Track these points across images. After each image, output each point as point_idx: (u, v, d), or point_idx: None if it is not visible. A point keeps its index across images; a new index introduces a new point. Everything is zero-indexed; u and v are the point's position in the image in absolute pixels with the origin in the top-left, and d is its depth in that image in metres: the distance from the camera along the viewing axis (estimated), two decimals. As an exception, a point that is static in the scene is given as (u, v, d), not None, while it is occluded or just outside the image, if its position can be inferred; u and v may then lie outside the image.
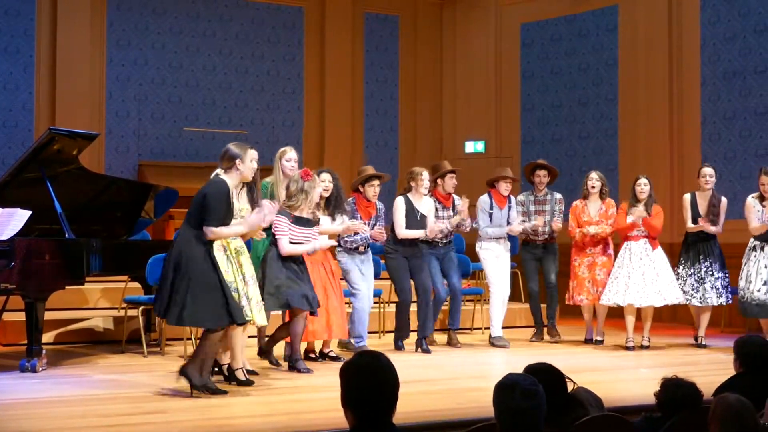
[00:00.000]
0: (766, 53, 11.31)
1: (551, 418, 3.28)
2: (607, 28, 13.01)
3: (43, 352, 7.00)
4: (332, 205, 7.89)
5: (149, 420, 5.35)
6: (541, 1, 13.81)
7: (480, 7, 14.32)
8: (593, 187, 9.33)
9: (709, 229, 9.01)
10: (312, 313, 7.14)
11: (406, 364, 6.62)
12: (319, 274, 7.66)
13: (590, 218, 9.33)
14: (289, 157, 7.58)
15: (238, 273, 6.24)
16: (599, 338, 9.42)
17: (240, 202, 6.33)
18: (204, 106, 12.98)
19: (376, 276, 8.84)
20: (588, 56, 13.20)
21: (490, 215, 9.19)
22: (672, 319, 11.28)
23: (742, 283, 8.82)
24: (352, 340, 8.32)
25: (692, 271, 9.15)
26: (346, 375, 3.08)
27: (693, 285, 9.12)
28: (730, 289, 9.20)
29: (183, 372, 6.00)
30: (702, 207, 9.14)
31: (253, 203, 6.46)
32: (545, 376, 3.62)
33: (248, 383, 6.41)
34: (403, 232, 8.54)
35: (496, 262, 9.23)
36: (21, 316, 7.27)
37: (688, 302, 9.17)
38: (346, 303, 8.35)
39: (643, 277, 8.90)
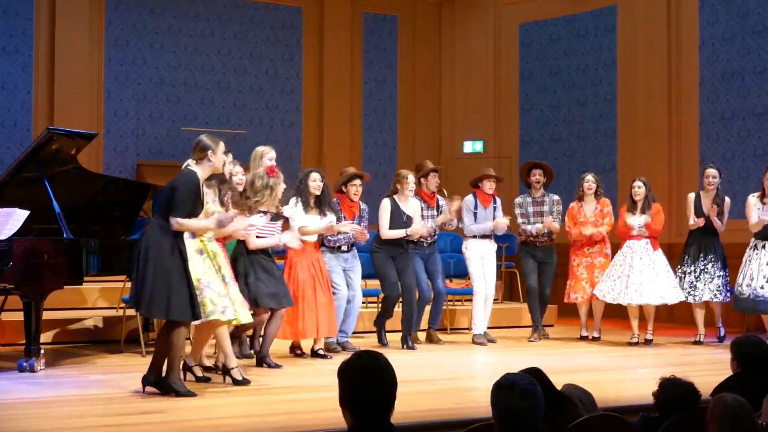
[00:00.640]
0: (765, 54, 11.32)
1: (546, 418, 3.28)
2: (605, 28, 13.01)
3: (42, 351, 7.00)
4: (322, 203, 8.11)
5: (147, 420, 5.35)
6: (540, 1, 13.81)
7: (479, 7, 14.32)
8: (589, 188, 9.56)
9: (715, 220, 9.14)
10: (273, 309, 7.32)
11: (405, 363, 6.62)
12: (308, 272, 7.88)
13: (586, 218, 9.53)
14: (271, 156, 7.75)
15: (218, 274, 6.31)
16: (596, 335, 9.64)
17: (213, 204, 6.43)
18: (202, 106, 12.98)
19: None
20: (587, 56, 13.20)
21: (475, 214, 9.35)
22: (669, 319, 11.29)
23: (741, 280, 8.94)
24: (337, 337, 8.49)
25: (692, 268, 9.28)
26: (344, 375, 3.08)
27: (691, 282, 9.25)
28: (729, 288, 9.28)
29: (167, 386, 6.00)
30: (706, 207, 9.26)
31: (223, 203, 6.63)
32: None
33: (245, 382, 6.44)
34: (386, 232, 8.77)
35: (480, 261, 9.36)
36: (19, 316, 7.26)
37: (685, 299, 9.29)
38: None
39: (641, 276, 9.09)
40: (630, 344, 9.25)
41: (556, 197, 9.80)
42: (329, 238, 8.39)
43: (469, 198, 9.42)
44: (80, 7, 12.13)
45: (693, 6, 11.99)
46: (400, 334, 9.08)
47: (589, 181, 9.58)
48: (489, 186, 9.40)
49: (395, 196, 8.88)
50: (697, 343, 9.28)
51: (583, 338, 9.72)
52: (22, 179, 7.24)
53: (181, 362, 6.41)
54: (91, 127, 10.59)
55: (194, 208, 6.03)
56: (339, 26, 13.81)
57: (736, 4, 11.59)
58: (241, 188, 7.24)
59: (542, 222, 9.55)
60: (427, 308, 9.34)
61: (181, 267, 5.93)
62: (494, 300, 11.36)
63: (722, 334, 9.41)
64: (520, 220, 9.72)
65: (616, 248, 9.76)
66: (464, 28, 14.49)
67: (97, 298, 9.57)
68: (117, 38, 12.47)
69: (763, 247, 8.90)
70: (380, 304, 9.05)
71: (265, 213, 7.29)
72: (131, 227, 8.42)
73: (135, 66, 12.55)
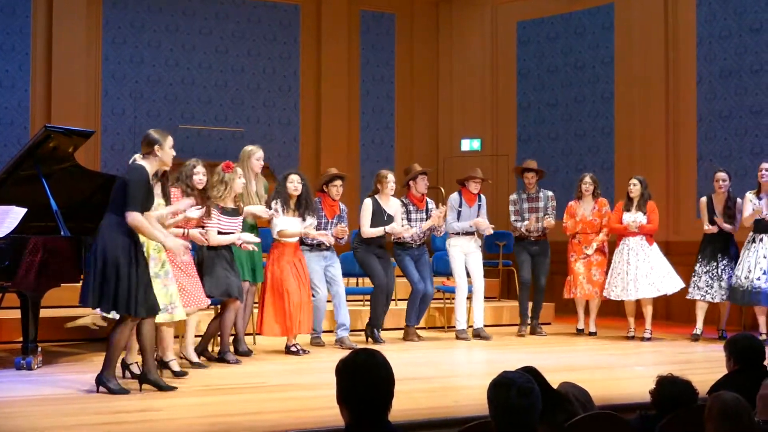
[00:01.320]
0: (762, 52, 11.32)
1: (543, 416, 3.28)
2: (603, 26, 13.01)
3: (39, 349, 7.00)
4: (302, 206, 8.21)
5: (144, 418, 5.35)
6: (538, -1, 13.82)
7: (476, 5, 14.31)
8: (587, 189, 9.88)
9: (724, 226, 9.36)
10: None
11: (402, 361, 6.63)
12: (290, 272, 8.07)
13: (584, 217, 9.84)
14: (259, 156, 8.07)
15: (162, 270, 6.45)
16: (592, 330, 9.91)
17: (157, 198, 6.46)
18: (200, 104, 12.97)
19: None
20: (584, 54, 13.20)
21: (459, 212, 9.51)
22: (667, 316, 11.30)
23: (739, 273, 9.14)
24: (312, 335, 8.67)
25: (708, 268, 9.49)
26: (341, 372, 3.08)
27: (708, 282, 9.45)
28: None
29: (101, 381, 5.99)
30: (718, 209, 9.51)
31: (166, 197, 6.70)
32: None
33: (182, 374, 6.59)
34: (367, 230, 8.96)
35: (463, 258, 9.53)
36: (16, 314, 7.26)
37: (702, 299, 9.50)
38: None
39: (636, 271, 9.43)
40: (626, 338, 9.53)
41: (550, 193, 10.06)
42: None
43: (455, 196, 9.65)
44: (77, 5, 12.12)
45: (690, 4, 11.99)
46: (402, 331, 9.17)
47: (587, 182, 9.87)
48: (474, 186, 9.59)
49: (376, 196, 9.11)
50: (696, 337, 9.42)
51: (579, 331, 9.95)
52: (20, 177, 7.22)
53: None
54: (89, 125, 10.59)
55: (146, 201, 6.00)
56: (336, 24, 13.80)
57: (733, 3, 11.58)
58: (201, 186, 7.28)
59: (530, 218, 9.78)
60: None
61: (133, 262, 5.88)
62: (493, 298, 11.45)
63: (725, 334, 9.50)
64: (513, 217, 9.96)
65: (613, 246, 9.88)
66: (462, 25, 14.48)
67: (95, 296, 9.53)
68: (114, 36, 12.45)
69: (761, 240, 9.11)
70: (370, 305, 9.15)
71: (223, 209, 7.44)
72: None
73: (132, 64, 12.54)
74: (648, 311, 9.53)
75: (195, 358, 7.21)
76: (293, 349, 8.12)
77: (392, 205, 9.11)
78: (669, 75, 12.14)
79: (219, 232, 7.41)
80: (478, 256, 9.61)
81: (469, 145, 14.28)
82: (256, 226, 8.22)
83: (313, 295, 8.46)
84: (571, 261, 9.88)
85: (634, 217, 9.51)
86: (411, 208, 9.27)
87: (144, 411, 5.54)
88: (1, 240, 6.64)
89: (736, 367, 4.74)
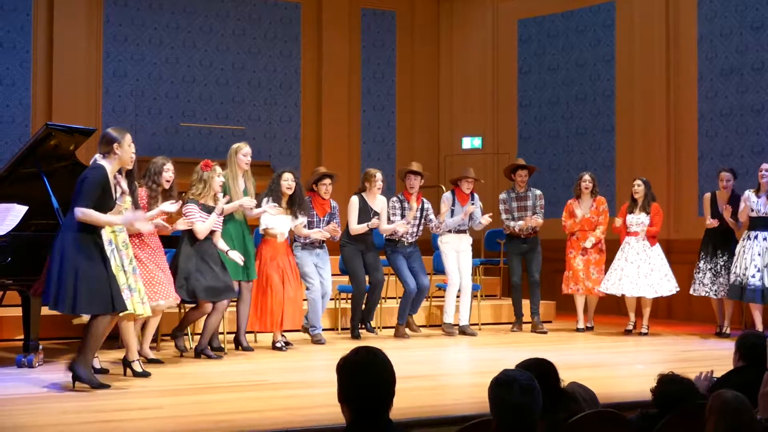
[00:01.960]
0: (763, 50, 11.31)
1: (544, 413, 3.28)
2: (603, 24, 13.00)
3: (40, 347, 7.01)
4: (294, 204, 8.35)
5: (145, 416, 5.35)
6: (539, -3, 13.81)
7: (477, 3, 14.30)
8: (586, 188, 10.08)
9: (729, 220, 9.54)
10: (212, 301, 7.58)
11: (402, 360, 6.64)
12: (278, 267, 8.22)
13: (583, 215, 10.03)
14: (245, 151, 8.15)
15: (129, 266, 6.47)
16: (590, 325, 10.20)
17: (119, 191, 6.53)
18: (201, 102, 12.97)
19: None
20: (585, 52, 13.19)
21: (452, 211, 9.67)
22: (668, 315, 11.32)
23: (737, 270, 9.28)
24: (309, 330, 8.77)
25: (711, 265, 9.69)
26: (343, 371, 3.08)
27: (711, 278, 9.66)
28: None
29: (71, 368, 5.98)
30: (721, 206, 9.67)
31: (133, 195, 6.76)
32: (538, 369, 3.64)
33: (145, 374, 6.55)
34: (354, 227, 9.12)
35: (455, 255, 9.69)
36: (18, 312, 7.27)
37: (707, 294, 9.73)
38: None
39: (637, 270, 9.65)
40: (626, 332, 9.78)
41: (538, 192, 10.25)
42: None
43: (448, 195, 9.82)
44: (78, 3, 12.12)
45: (691, 2, 11.97)
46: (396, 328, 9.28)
47: (586, 180, 10.07)
48: (467, 186, 9.75)
49: (363, 194, 9.26)
50: (722, 334, 9.60)
51: (579, 330, 10.07)
52: (21, 175, 7.23)
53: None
54: (90, 123, 10.57)
55: (103, 201, 5.96)
56: (337, 22, 13.79)
57: (734, 1, 11.57)
58: (168, 185, 7.34)
59: (525, 218, 9.94)
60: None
61: (89, 260, 5.85)
62: (493, 296, 11.48)
63: (728, 331, 9.67)
64: (504, 216, 10.14)
65: (611, 244, 10.00)
66: (462, 24, 14.47)
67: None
68: (115, 34, 12.45)
69: (755, 237, 9.26)
70: (351, 306, 9.32)
71: (204, 206, 7.55)
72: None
73: (133, 62, 12.54)
74: (647, 311, 9.80)
75: (151, 355, 7.24)
76: (277, 345, 8.26)
77: (378, 203, 9.27)
78: (670, 73, 12.13)
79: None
80: (468, 255, 9.75)
81: (469, 143, 14.28)
82: (245, 223, 8.26)
83: (307, 288, 8.67)
84: (570, 257, 10.08)
85: (637, 218, 9.73)
86: (406, 205, 9.44)
87: (146, 409, 5.54)
88: (1, 238, 6.65)
89: (741, 364, 4.76)
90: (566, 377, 4.21)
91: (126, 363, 6.61)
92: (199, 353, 7.64)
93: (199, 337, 7.83)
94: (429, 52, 14.58)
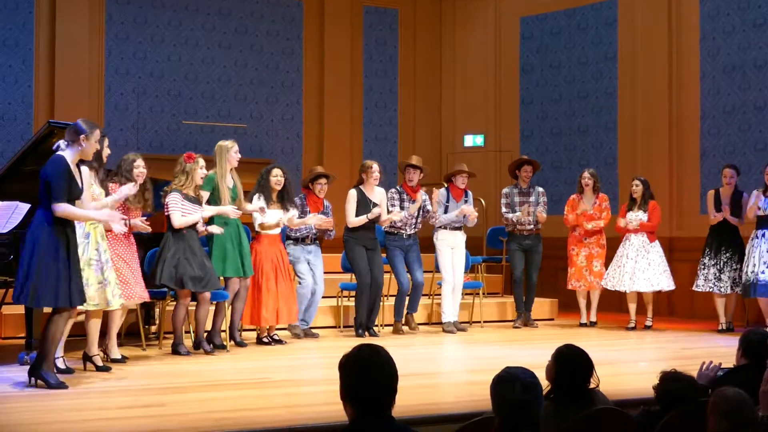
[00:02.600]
0: (766, 47, 11.29)
1: (565, 409, 3.30)
2: (606, 21, 12.98)
3: (42, 345, 7.01)
4: (284, 198, 8.51)
5: (147, 413, 5.35)
6: (541, -5, 13.79)
7: (479, 1, 14.28)
8: (587, 184, 10.25)
9: (730, 218, 9.68)
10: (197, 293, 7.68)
11: (403, 357, 6.62)
12: (270, 262, 8.35)
13: (585, 211, 10.19)
14: (237, 149, 8.24)
15: (101, 258, 6.57)
16: (593, 320, 10.31)
17: (94, 186, 6.67)
18: (203, 100, 12.97)
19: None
20: (587, 50, 13.18)
21: (447, 207, 9.74)
22: (670, 313, 11.31)
23: (746, 268, 9.40)
24: (298, 324, 8.87)
25: (714, 261, 9.78)
26: (345, 369, 3.08)
27: (715, 274, 9.76)
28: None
29: (35, 374, 5.98)
30: (724, 203, 9.79)
31: (104, 185, 6.88)
32: (578, 360, 3.90)
33: (106, 369, 6.69)
34: (352, 220, 9.14)
35: (450, 252, 9.72)
36: (20, 309, 7.27)
37: (711, 290, 9.82)
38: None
39: (636, 265, 9.84)
40: (627, 329, 9.90)
41: (541, 189, 10.40)
42: (294, 230, 8.91)
43: (442, 191, 9.85)
44: (81, 1, 12.10)
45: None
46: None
47: (586, 177, 10.26)
48: (461, 181, 9.84)
49: (361, 186, 9.30)
50: (726, 330, 9.67)
51: (582, 325, 10.23)
52: (23, 173, 7.24)
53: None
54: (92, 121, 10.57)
55: (71, 191, 5.98)
56: (339, 20, 13.78)
57: (737, -2, 11.57)
58: (141, 180, 7.35)
59: (522, 209, 10.02)
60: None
61: (54, 254, 5.86)
62: (496, 294, 11.49)
63: (731, 326, 9.80)
64: (504, 209, 10.22)
65: (611, 241, 10.06)
66: (465, 21, 14.46)
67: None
68: (117, 32, 12.45)
69: (763, 235, 9.36)
70: (355, 302, 9.26)
71: (186, 196, 7.65)
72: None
73: (135, 59, 12.54)
74: (650, 305, 9.97)
75: (116, 355, 7.19)
76: (264, 339, 8.37)
77: (377, 194, 9.30)
78: (672, 70, 12.12)
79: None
80: (462, 252, 9.80)
81: (472, 141, 14.27)
82: (239, 220, 8.29)
83: (299, 283, 8.80)
84: (572, 254, 10.24)
85: (634, 215, 9.91)
86: (405, 197, 9.51)
87: (148, 407, 5.54)
88: (4, 235, 6.65)
89: (744, 362, 4.76)
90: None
91: (86, 357, 6.79)
92: (198, 346, 7.78)
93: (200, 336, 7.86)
94: (431, 49, 14.57)
